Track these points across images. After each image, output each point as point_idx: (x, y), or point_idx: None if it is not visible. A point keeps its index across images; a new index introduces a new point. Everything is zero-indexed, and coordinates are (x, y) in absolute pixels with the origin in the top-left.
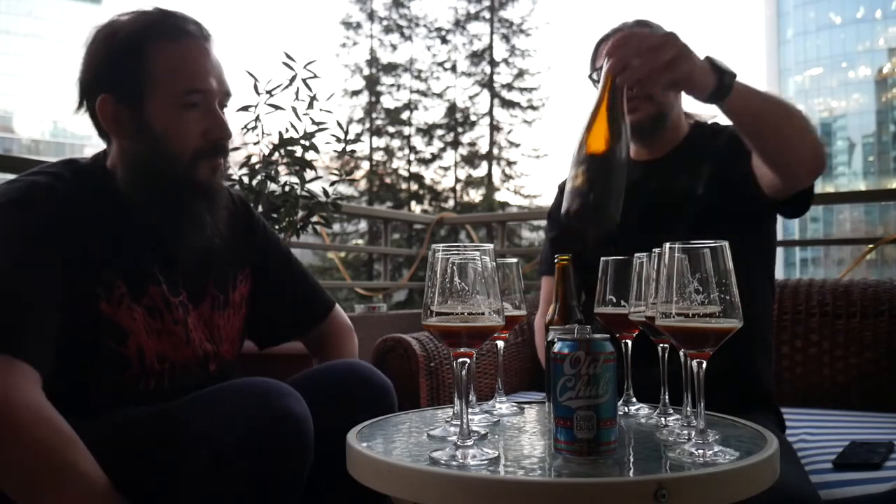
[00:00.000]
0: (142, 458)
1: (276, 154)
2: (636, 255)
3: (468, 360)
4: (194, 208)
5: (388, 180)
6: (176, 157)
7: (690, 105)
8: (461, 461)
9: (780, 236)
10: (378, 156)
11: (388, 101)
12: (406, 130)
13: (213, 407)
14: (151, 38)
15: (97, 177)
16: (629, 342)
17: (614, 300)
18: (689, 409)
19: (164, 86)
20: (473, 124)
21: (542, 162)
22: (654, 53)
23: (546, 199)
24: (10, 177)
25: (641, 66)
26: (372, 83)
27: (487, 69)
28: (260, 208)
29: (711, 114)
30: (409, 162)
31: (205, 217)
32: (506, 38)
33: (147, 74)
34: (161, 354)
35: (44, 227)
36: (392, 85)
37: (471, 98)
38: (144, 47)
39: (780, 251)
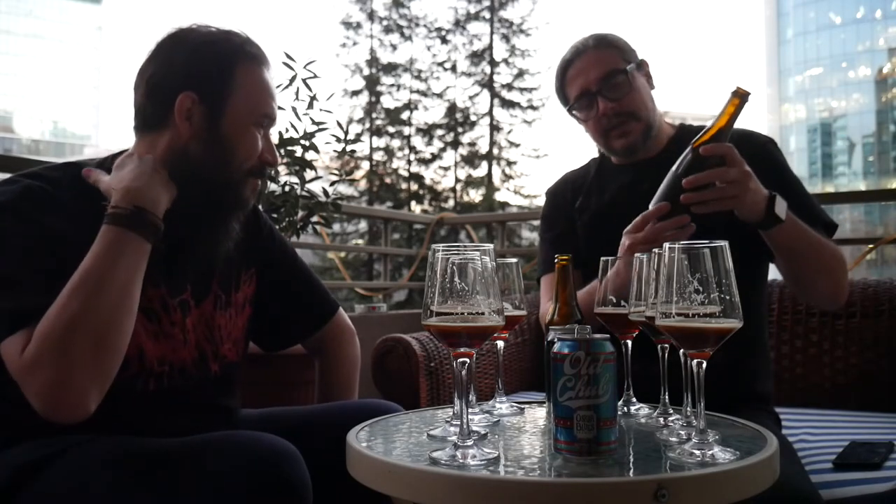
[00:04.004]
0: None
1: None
2: (636, 254)
3: (468, 360)
4: (228, 218)
5: (388, 180)
6: (235, 167)
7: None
8: (461, 461)
9: None
10: (378, 156)
11: (388, 101)
12: (406, 130)
13: (220, 452)
14: (246, 58)
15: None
16: (629, 342)
17: (614, 300)
18: (689, 409)
19: (245, 103)
20: (473, 124)
21: (542, 162)
22: (730, 186)
23: None
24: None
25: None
26: (372, 83)
27: (487, 69)
28: (260, 208)
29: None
30: (409, 162)
31: (233, 229)
32: (506, 38)
33: (233, 87)
34: (161, 357)
35: (34, 234)
36: (392, 85)
37: (471, 98)
38: (236, 63)
39: None
